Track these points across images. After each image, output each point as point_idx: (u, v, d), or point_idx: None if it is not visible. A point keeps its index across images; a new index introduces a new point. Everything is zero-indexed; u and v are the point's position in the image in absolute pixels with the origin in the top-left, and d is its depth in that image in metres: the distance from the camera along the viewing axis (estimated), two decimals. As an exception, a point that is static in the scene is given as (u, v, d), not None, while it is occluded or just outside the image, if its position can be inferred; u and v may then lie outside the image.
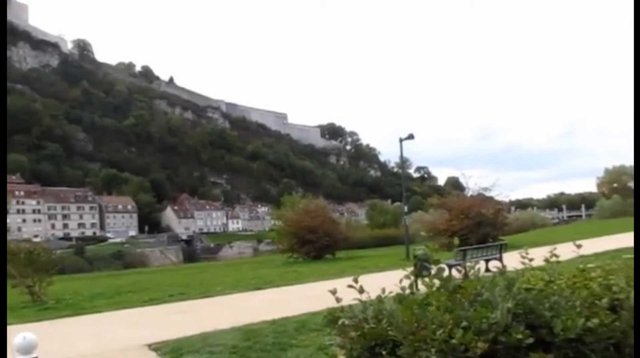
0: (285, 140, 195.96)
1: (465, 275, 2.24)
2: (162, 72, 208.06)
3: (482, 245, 15.87)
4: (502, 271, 2.30)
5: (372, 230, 51.85)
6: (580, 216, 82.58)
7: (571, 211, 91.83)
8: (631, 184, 55.47)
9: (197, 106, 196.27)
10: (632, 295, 2.80)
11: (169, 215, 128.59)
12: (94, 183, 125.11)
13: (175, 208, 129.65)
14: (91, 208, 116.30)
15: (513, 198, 77.55)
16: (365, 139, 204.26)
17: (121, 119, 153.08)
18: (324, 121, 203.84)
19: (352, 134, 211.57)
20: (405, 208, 29.57)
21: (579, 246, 3.03)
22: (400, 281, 2.18)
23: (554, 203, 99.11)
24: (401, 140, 25.62)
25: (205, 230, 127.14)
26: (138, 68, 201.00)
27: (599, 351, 2.34)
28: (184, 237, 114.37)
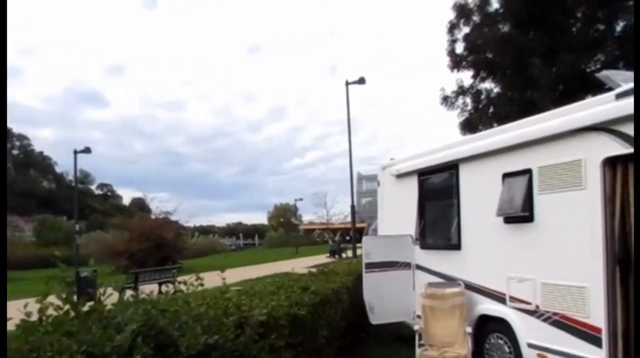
0: None
1: (99, 299, 2.22)
2: None
3: (156, 268, 15.88)
4: (135, 295, 2.37)
5: (38, 248, 45.14)
6: (254, 244, 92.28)
7: (247, 239, 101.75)
8: (293, 219, 65.85)
9: None
10: (257, 312, 3.33)
11: None
12: None
13: None
14: None
15: (197, 224, 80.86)
16: (38, 147, 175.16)
17: None
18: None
19: (22, 137, 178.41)
20: (78, 227, 27.20)
21: (223, 271, 3.42)
22: (25, 306, 1.98)
23: (232, 231, 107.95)
24: (76, 152, 24.91)
25: None
26: None
27: (223, 363, 2.65)
28: None
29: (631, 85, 4.00)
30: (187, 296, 2.85)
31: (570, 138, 4.43)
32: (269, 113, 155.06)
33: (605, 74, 4.77)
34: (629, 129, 3.89)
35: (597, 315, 4.13)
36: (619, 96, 4.10)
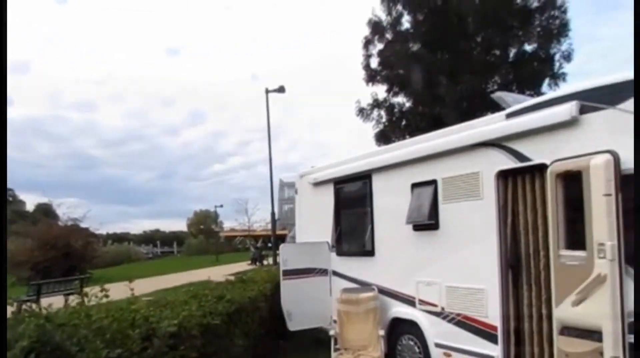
0: None
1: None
2: None
3: (61, 279, 14.86)
4: (29, 308, 2.25)
5: None
6: (173, 252, 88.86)
7: (165, 247, 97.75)
8: (214, 226, 64.46)
9: None
10: (165, 323, 3.26)
11: None
12: None
13: None
14: None
15: (111, 231, 76.38)
16: None
17: None
18: None
19: None
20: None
21: (131, 281, 3.32)
22: None
23: (149, 238, 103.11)
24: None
25: None
26: None
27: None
28: None
29: (520, 106, 4.44)
30: (89, 308, 2.73)
31: (469, 152, 4.80)
32: (187, 117, 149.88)
33: (498, 95, 5.24)
34: (517, 145, 4.31)
35: (493, 315, 4.49)
36: (509, 116, 4.52)
